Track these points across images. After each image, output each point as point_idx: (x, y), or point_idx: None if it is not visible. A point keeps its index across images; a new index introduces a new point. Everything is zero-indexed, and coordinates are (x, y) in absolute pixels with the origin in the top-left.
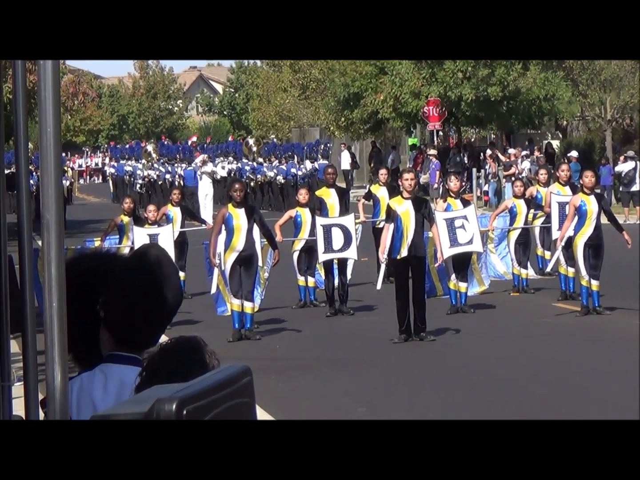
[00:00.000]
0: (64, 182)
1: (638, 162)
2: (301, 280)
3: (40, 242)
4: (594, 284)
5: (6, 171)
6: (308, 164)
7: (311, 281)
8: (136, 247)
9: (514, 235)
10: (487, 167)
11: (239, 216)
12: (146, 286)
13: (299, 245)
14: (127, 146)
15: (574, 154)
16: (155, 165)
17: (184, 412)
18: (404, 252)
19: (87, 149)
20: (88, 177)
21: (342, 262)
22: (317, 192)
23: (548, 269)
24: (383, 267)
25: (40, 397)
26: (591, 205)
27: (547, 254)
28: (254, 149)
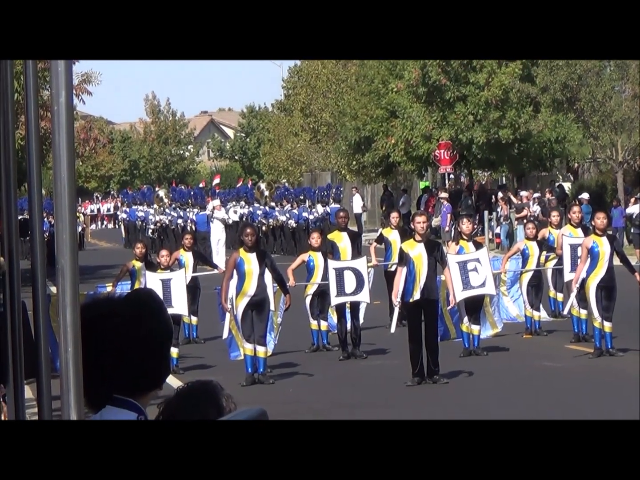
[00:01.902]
0: (77, 227)
1: None
2: (314, 324)
3: (52, 288)
4: (607, 325)
5: (19, 217)
6: (320, 208)
7: (324, 325)
8: None
9: (526, 277)
10: (498, 209)
11: (250, 261)
12: (131, 334)
13: (311, 289)
14: (139, 191)
15: (585, 196)
16: (167, 210)
17: None
18: (416, 295)
19: (99, 195)
20: (100, 222)
21: (355, 306)
22: (329, 236)
23: (565, 312)
24: (397, 310)
25: None
26: (603, 246)
27: (560, 296)
28: (266, 193)
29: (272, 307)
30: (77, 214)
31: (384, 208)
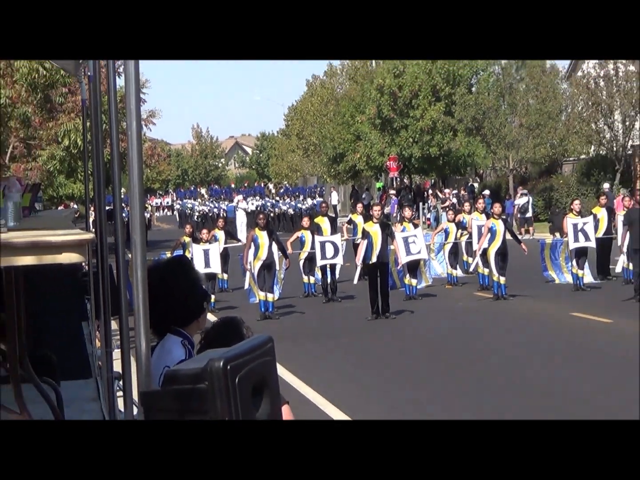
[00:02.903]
0: (145, 214)
1: (530, 198)
2: (305, 278)
3: (129, 255)
4: (502, 279)
5: (107, 208)
6: (309, 201)
7: (312, 279)
8: (195, 258)
9: (448, 247)
10: (429, 201)
11: (263, 236)
12: (183, 285)
13: (303, 255)
14: (188, 190)
15: (487, 192)
16: (207, 202)
17: (228, 367)
18: (373, 259)
19: (161, 192)
20: (162, 211)
21: (333, 266)
22: (315, 220)
23: (471, 269)
24: (359, 269)
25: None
26: (499, 226)
27: (470, 259)
28: (273, 191)
29: (277, 267)
30: (145, 205)
31: (352, 201)
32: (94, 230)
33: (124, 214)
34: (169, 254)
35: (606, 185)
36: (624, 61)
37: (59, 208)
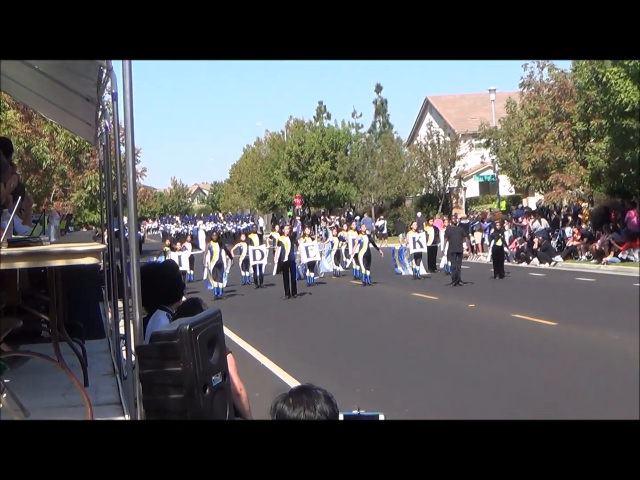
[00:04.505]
0: (140, 233)
1: (385, 221)
2: (243, 273)
3: (129, 259)
4: (368, 272)
5: (115, 229)
6: (245, 224)
7: (247, 273)
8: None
9: (333, 251)
10: (322, 224)
11: (215, 246)
12: (168, 279)
13: (241, 258)
14: (168, 218)
15: (357, 217)
16: (180, 226)
17: (192, 329)
18: (285, 260)
19: (150, 219)
20: (151, 231)
21: (260, 265)
22: (249, 235)
23: (347, 266)
24: (276, 266)
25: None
26: (365, 239)
27: (347, 260)
28: (222, 218)
29: (225, 266)
30: (140, 228)
31: (272, 223)
32: (106, 243)
33: (125, 234)
34: (155, 258)
35: (419, 214)
36: (442, 133)
37: (84, 230)
